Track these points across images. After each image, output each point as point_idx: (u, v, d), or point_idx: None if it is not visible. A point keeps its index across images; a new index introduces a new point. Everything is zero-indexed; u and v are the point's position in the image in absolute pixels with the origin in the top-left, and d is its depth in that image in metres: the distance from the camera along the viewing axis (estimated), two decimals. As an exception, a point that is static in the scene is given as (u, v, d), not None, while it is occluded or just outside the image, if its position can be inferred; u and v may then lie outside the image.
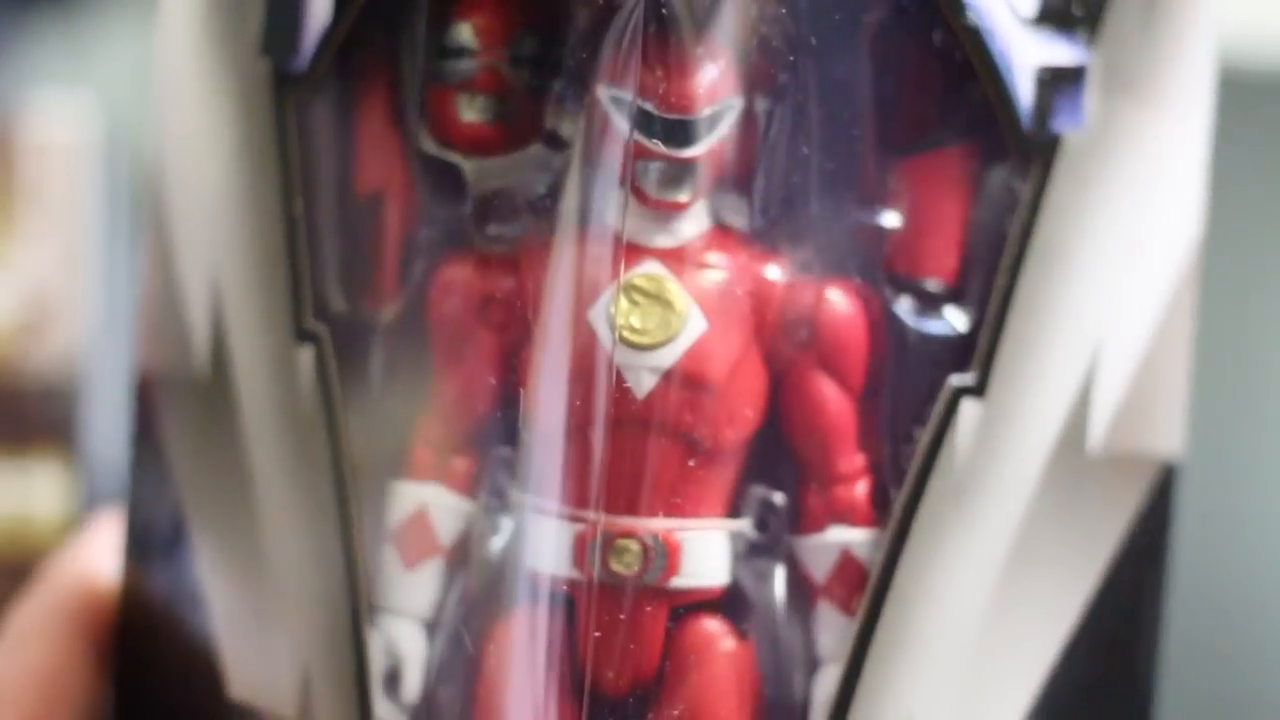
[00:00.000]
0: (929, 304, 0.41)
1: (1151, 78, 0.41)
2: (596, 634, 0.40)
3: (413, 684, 0.41)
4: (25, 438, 0.83)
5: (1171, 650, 0.44)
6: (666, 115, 0.39)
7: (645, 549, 0.40)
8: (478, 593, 0.41)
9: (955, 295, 0.41)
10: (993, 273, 0.41)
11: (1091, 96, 0.41)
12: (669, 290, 0.40)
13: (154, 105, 0.45)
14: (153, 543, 0.45)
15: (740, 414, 0.40)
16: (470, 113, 0.41)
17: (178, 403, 0.44)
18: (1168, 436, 0.43)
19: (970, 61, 0.40)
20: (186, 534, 0.44)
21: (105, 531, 0.48)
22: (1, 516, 0.82)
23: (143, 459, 0.45)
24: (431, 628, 0.42)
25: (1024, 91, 0.41)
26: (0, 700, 0.45)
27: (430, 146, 0.42)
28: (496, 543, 0.41)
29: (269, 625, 0.42)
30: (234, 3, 0.43)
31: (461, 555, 0.41)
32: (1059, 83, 0.41)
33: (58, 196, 0.86)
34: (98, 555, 0.47)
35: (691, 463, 0.40)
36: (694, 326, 0.40)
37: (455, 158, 0.41)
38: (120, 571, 0.46)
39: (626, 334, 0.40)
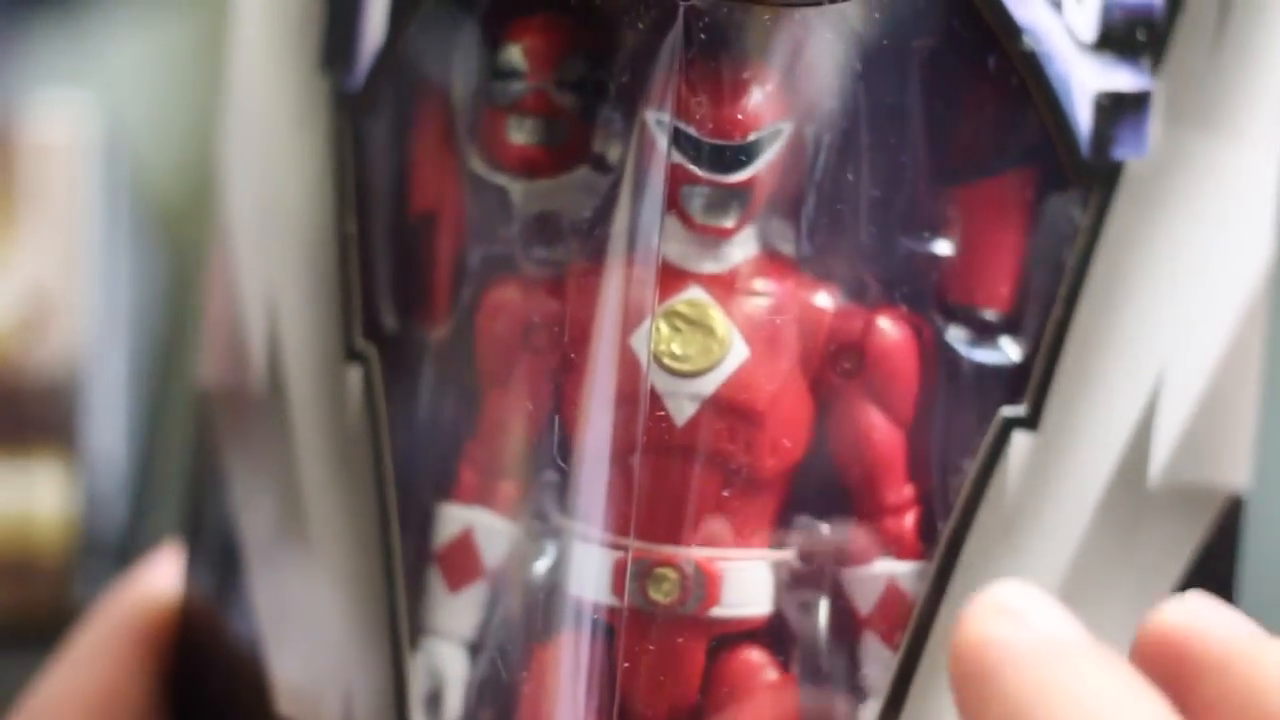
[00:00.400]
0: (982, 333, 0.41)
1: (1220, 103, 0.41)
2: (626, 665, 0.39)
3: (454, 706, 0.41)
4: (25, 438, 0.83)
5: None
6: (711, 141, 0.39)
7: (684, 578, 0.39)
8: (519, 618, 0.41)
9: (1010, 324, 0.41)
10: (1049, 302, 0.40)
11: (1155, 123, 0.40)
12: (711, 317, 0.39)
13: (222, 117, 0.45)
14: (211, 559, 0.45)
15: (782, 443, 0.40)
16: (519, 135, 0.41)
17: (237, 419, 0.44)
18: (1235, 467, 0.42)
19: (1026, 87, 0.39)
20: (241, 551, 0.43)
21: (170, 554, 0.48)
22: (1, 516, 0.82)
23: (203, 475, 0.45)
24: (474, 650, 0.41)
25: (1083, 118, 0.40)
26: (54, 716, 0.45)
27: (479, 168, 0.41)
28: (540, 567, 0.41)
29: (315, 643, 0.42)
30: (297, 20, 0.43)
31: (506, 578, 0.41)
32: (1121, 109, 0.40)
33: (58, 196, 0.85)
34: (160, 576, 0.47)
35: (730, 492, 0.39)
36: (736, 354, 0.39)
37: (503, 180, 0.41)
38: (179, 589, 0.46)
39: (667, 361, 0.39)
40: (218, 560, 0.44)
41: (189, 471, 0.46)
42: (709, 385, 0.39)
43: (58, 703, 0.46)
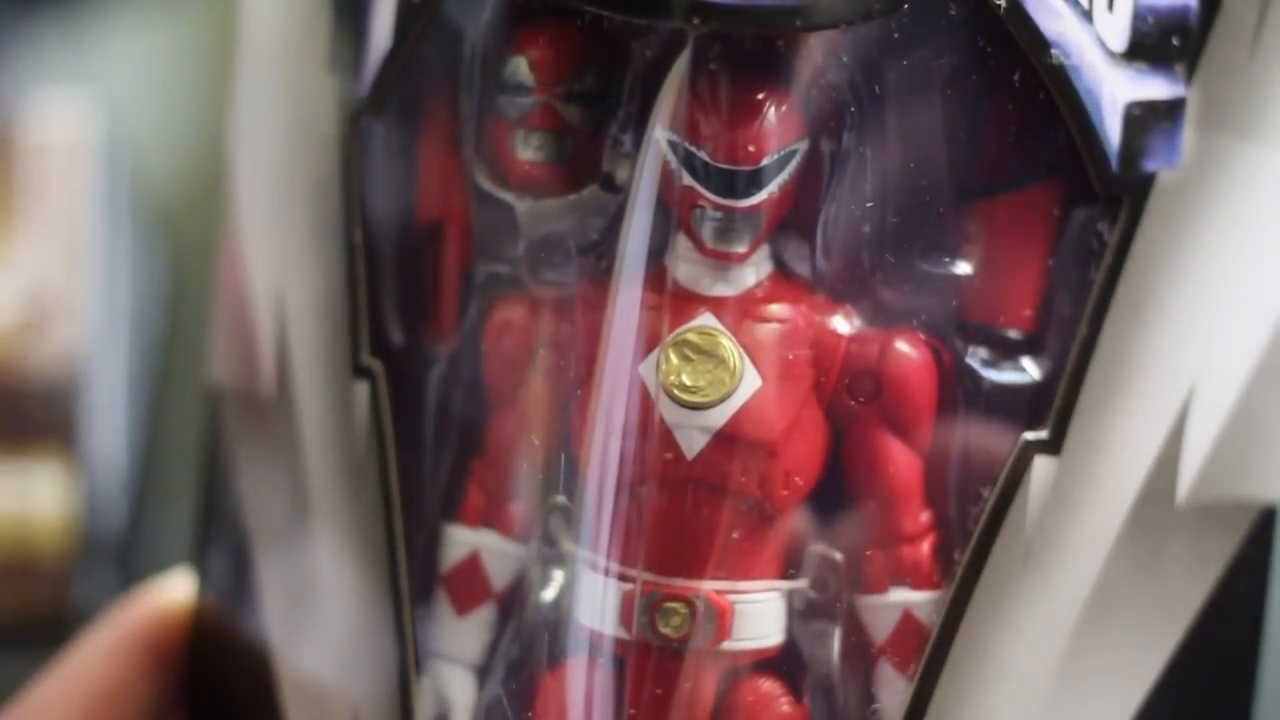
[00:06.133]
0: (1004, 354, 0.40)
1: (1258, 109, 0.39)
2: (634, 698, 0.39)
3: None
4: (25, 438, 0.83)
5: (1265, 706, 0.42)
6: (722, 166, 0.38)
7: (694, 612, 0.39)
8: (527, 644, 0.40)
9: (1032, 345, 0.40)
10: (1073, 321, 0.39)
11: (1189, 132, 0.39)
12: (723, 346, 0.38)
13: (231, 117, 0.45)
14: (223, 560, 0.44)
15: (796, 474, 0.39)
16: (526, 151, 0.40)
17: (248, 423, 0.43)
18: (1268, 479, 0.41)
19: (1052, 102, 0.38)
20: (251, 560, 0.43)
21: (184, 573, 0.48)
22: (1, 516, 0.81)
23: (214, 474, 0.44)
24: (481, 673, 0.41)
25: (1113, 130, 0.39)
26: (54, 713, 0.45)
27: (486, 183, 0.40)
28: (547, 595, 0.40)
29: (322, 665, 0.41)
30: (305, 24, 0.42)
31: (513, 600, 0.41)
32: (1153, 119, 0.39)
33: (58, 196, 0.85)
34: (174, 588, 0.47)
35: (742, 524, 0.38)
36: (748, 384, 0.38)
37: (509, 197, 0.40)
38: (193, 592, 0.46)
39: (677, 392, 0.38)
40: (230, 562, 0.44)
41: (200, 468, 0.45)
42: (720, 417, 0.38)
43: (55, 699, 0.46)
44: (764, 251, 0.39)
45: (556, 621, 0.40)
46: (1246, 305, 0.40)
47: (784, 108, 0.38)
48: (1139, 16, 0.39)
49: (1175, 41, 0.39)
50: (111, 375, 0.86)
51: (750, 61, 0.38)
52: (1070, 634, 0.39)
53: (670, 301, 0.38)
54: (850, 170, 0.39)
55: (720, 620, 0.39)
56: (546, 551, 0.40)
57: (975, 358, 0.40)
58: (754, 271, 0.39)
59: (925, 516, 0.40)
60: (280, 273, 0.42)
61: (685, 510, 0.38)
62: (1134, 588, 0.40)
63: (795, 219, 0.39)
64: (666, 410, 0.38)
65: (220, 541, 0.45)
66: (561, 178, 0.40)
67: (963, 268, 0.40)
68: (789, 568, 0.39)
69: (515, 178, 0.40)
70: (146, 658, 0.46)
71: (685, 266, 0.39)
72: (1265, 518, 0.41)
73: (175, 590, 0.47)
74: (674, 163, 0.38)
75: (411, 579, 0.41)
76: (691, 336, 0.38)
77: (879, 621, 0.40)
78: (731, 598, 0.39)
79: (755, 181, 0.38)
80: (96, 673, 0.46)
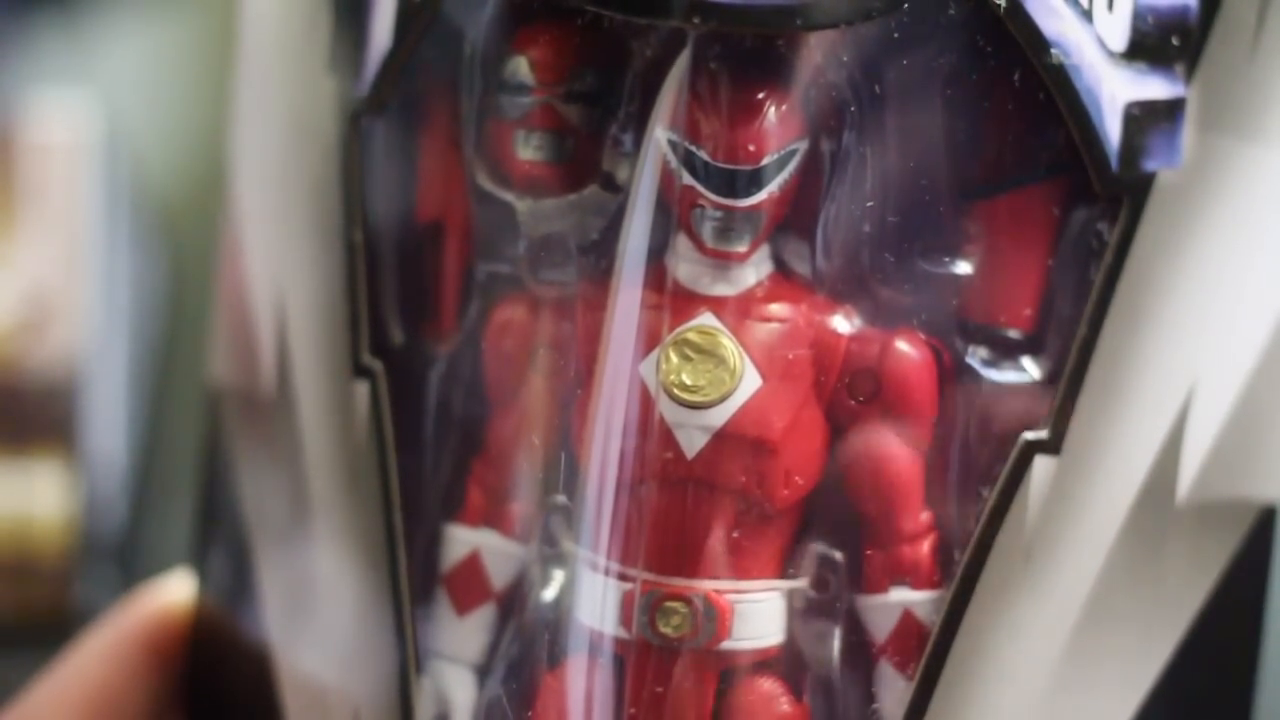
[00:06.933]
0: (1004, 354, 0.40)
1: (1257, 109, 0.40)
2: (634, 698, 0.39)
3: (462, 730, 0.40)
4: (25, 438, 0.83)
5: (1266, 706, 0.43)
6: (722, 165, 0.38)
7: (694, 612, 0.39)
8: (527, 644, 0.40)
9: (1032, 345, 0.40)
10: (1073, 321, 0.39)
11: (1189, 132, 0.39)
12: (723, 346, 0.38)
13: (232, 116, 0.45)
14: (223, 561, 0.44)
15: (796, 473, 0.39)
16: (527, 151, 0.40)
17: (248, 423, 0.43)
18: (1269, 478, 0.41)
19: (1052, 102, 0.38)
20: (251, 560, 0.43)
21: (183, 574, 0.48)
22: (1, 516, 0.81)
23: (214, 474, 0.44)
24: (481, 673, 0.41)
25: (1113, 130, 0.39)
26: (54, 713, 0.45)
27: (486, 183, 0.40)
28: (548, 594, 0.40)
29: (322, 665, 0.42)
30: (306, 25, 0.42)
31: (513, 600, 0.41)
32: (1153, 119, 0.39)
33: (58, 196, 0.85)
34: (173, 589, 0.47)
35: (742, 524, 0.39)
36: (748, 384, 0.38)
37: (509, 197, 0.40)
38: (193, 593, 0.46)
39: (677, 391, 0.38)
40: (230, 562, 0.44)
41: (200, 468, 0.46)
42: (720, 417, 0.38)
43: (55, 700, 0.46)
44: (764, 251, 0.39)
45: (557, 621, 0.40)
46: (1246, 305, 0.40)
47: (784, 107, 0.38)
48: (1139, 16, 0.39)
49: (1175, 41, 0.39)
50: (111, 375, 0.86)
51: (750, 61, 0.38)
52: (1070, 634, 0.39)
53: (670, 301, 0.38)
54: (850, 170, 0.39)
55: (720, 620, 0.39)
56: (547, 551, 0.40)
57: (975, 357, 0.40)
58: (754, 271, 0.39)
59: (925, 516, 0.40)
60: (280, 273, 0.42)
61: (685, 510, 0.38)
62: (1134, 588, 0.40)
63: (795, 219, 0.39)
64: (666, 409, 0.38)
65: (220, 541, 0.45)
66: (562, 177, 0.40)
67: (963, 267, 0.40)
68: (789, 567, 0.40)
69: (515, 177, 0.40)
70: (146, 658, 0.46)
71: (685, 266, 0.39)
72: (1265, 518, 0.41)
73: (175, 590, 0.47)
74: (674, 162, 0.38)
75: (411, 579, 0.41)
76: (692, 336, 0.38)
77: (879, 621, 0.40)
78: (731, 597, 0.39)
79: (755, 181, 0.38)
80: (96, 673, 0.46)
